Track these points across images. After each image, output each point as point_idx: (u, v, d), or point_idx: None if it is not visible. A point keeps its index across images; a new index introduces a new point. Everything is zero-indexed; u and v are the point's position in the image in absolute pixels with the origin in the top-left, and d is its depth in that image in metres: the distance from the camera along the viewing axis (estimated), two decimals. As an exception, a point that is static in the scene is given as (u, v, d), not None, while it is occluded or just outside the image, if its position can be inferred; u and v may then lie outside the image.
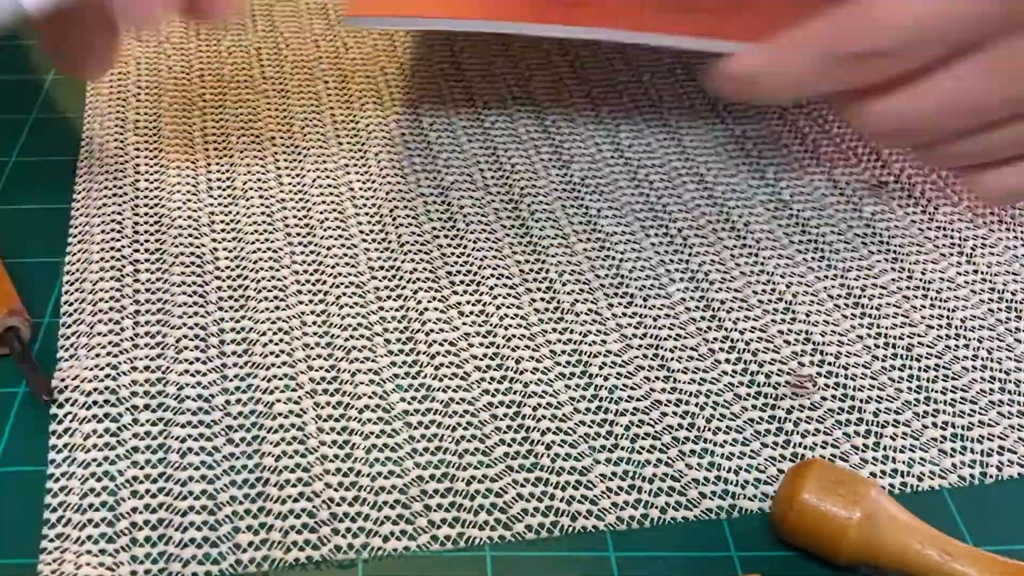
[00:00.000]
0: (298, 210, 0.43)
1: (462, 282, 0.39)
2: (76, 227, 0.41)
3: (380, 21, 0.39)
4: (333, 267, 0.40)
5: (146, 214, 0.42)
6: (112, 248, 0.40)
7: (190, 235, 0.41)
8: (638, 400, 0.35)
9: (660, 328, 0.38)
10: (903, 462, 0.34)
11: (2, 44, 0.53)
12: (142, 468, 0.32)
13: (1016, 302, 0.40)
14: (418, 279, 0.39)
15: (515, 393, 0.35)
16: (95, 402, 0.34)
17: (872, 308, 0.39)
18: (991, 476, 0.33)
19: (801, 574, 0.30)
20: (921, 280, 0.41)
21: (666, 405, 0.35)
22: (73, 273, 0.39)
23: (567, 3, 0.40)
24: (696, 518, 0.32)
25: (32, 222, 0.42)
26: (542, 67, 0.53)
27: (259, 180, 0.44)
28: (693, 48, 0.38)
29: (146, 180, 0.44)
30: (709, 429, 0.34)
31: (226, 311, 0.38)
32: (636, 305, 0.39)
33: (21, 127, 0.47)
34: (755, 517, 0.32)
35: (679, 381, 0.36)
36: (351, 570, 0.30)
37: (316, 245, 0.41)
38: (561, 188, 0.45)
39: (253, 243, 0.41)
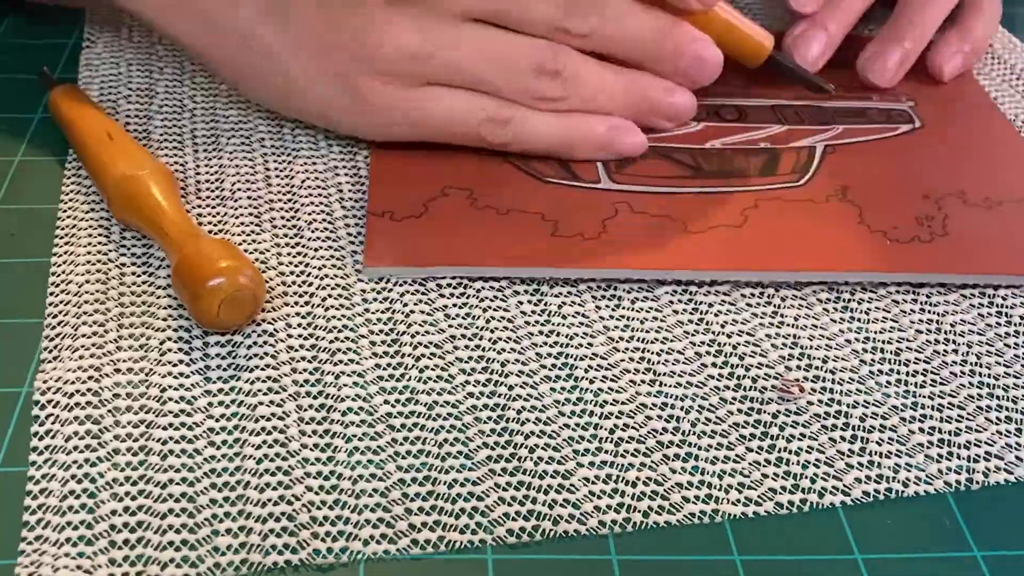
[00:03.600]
0: (286, 211, 0.42)
1: (448, 284, 0.39)
2: (63, 229, 0.41)
3: (400, 271, 0.39)
4: (319, 268, 0.40)
5: (134, 215, 0.42)
6: (99, 251, 0.40)
7: (177, 237, 0.41)
8: (623, 403, 0.35)
9: (647, 331, 0.38)
10: (888, 467, 0.33)
11: (10, 43, 0.53)
12: (123, 470, 0.32)
13: (1007, 307, 0.40)
14: (404, 281, 0.39)
15: (500, 396, 0.35)
16: (77, 404, 0.34)
17: (861, 312, 0.39)
18: (977, 482, 0.33)
19: (787, 579, 0.30)
20: (910, 284, 0.41)
21: (651, 408, 0.35)
22: (58, 275, 0.39)
23: (584, 248, 0.40)
24: (679, 523, 0.31)
25: (40, 223, 0.42)
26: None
27: (248, 181, 0.44)
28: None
29: (134, 181, 0.44)
30: (694, 433, 0.34)
31: (211, 313, 0.37)
32: (624, 308, 0.39)
33: (27, 125, 0.47)
34: (759, 521, 0.32)
35: (665, 384, 0.36)
36: (354, 573, 0.30)
37: (303, 247, 0.41)
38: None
39: (240, 244, 0.41)
